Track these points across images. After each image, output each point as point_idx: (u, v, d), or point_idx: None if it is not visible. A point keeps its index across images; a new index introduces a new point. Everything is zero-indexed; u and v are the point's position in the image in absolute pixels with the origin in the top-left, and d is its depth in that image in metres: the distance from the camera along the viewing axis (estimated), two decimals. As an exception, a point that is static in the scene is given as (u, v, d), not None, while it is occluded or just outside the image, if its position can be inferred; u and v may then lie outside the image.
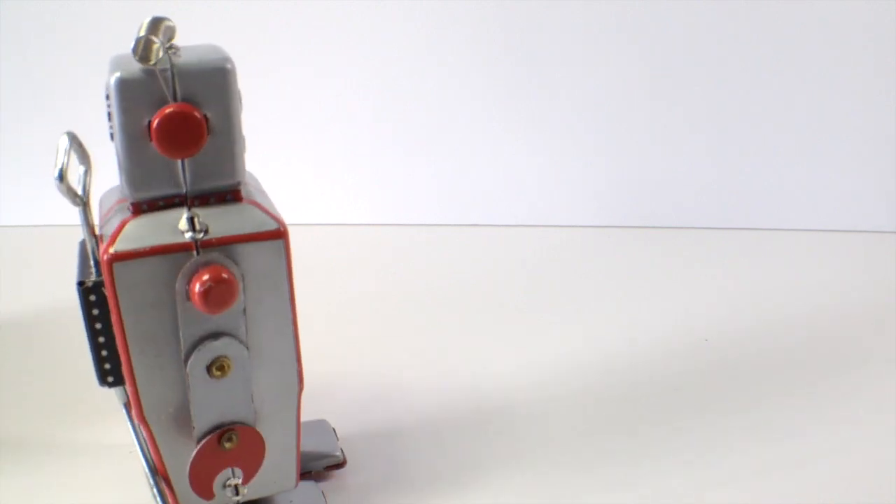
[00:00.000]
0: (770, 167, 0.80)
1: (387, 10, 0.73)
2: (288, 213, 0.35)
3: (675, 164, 0.80)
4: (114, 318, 0.33)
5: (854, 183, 0.81)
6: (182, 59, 0.32)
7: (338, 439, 0.44)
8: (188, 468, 0.35)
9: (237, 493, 0.37)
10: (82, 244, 0.37)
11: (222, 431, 0.34)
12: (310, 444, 0.42)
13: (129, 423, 0.37)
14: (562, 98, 0.78)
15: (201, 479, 0.35)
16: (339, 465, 0.43)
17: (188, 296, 0.32)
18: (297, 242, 0.35)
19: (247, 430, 0.35)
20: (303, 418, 0.37)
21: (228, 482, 0.36)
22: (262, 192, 0.36)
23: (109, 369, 0.35)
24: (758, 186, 0.81)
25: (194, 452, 0.34)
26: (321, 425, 0.45)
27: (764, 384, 0.52)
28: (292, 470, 0.38)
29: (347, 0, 0.72)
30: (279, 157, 0.74)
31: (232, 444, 0.35)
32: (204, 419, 0.34)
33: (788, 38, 0.76)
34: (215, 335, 0.33)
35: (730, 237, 0.79)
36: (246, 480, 0.36)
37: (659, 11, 0.75)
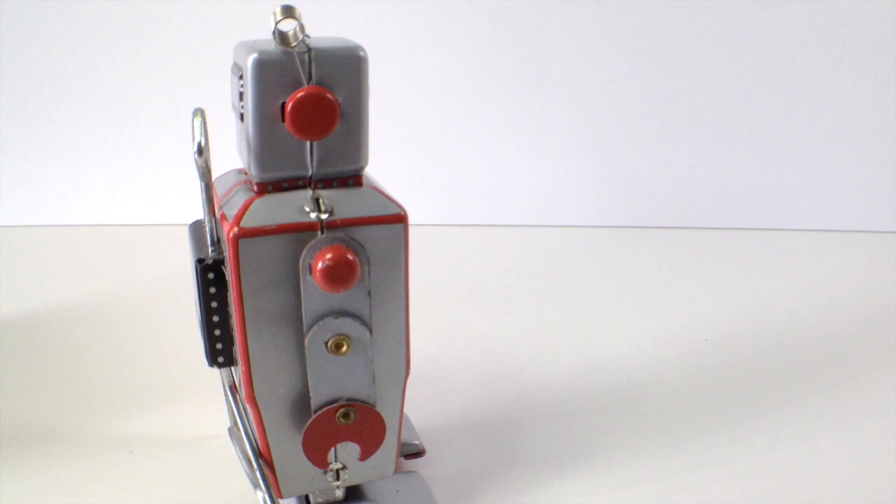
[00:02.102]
0: (770, 167, 0.81)
1: (386, 11, 0.74)
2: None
3: (675, 164, 0.81)
4: (234, 295, 0.33)
5: (854, 183, 0.81)
6: (316, 44, 0.32)
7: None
8: (302, 433, 0.35)
9: (338, 478, 0.37)
10: (194, 226, 0.38)
11: (339, 406, 0.35)
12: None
13: (231, 405, 0.37)
14: (562, 98, 0.79)
15: (315, 447, 0.35)
16: (419, 454, 0.43)
17: (311, 271, 0.33)
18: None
19: (367, 409, 0.35)
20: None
21: (330, 467, 0.37)
22: (377, 181, 0.37)
23: (220, 349, 0.35)
24: (758, 186, 0.82)
25: (309, 422, 0.34)
26: None
27: (763, 384, 0.52)
28: (393, 456, 0.38)
29: (347, 0, 0.73)
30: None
31: (348, 420, 0.35)
32: (320, 392, 0.35)
33: (789, 39, 0.77)
34: (336, 313, 0.34)
35: (730, 237, 0.80)
36: (363, 457, 0.36)
37: (659, 12, 0.76)
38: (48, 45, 0.75)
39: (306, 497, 0.39)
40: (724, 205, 0.82)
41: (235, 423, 0.39)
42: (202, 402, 0.49)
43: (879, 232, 0.81)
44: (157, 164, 0.80)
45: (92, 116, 0.77)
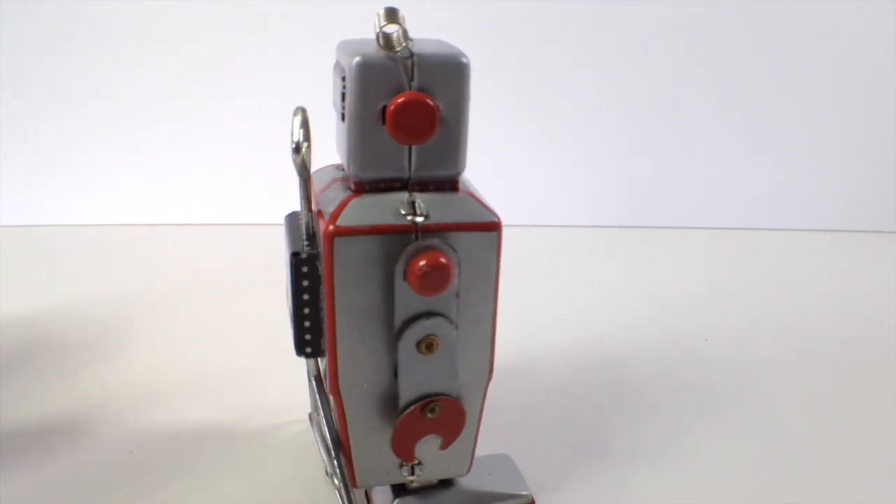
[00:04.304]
0: (769, 167, 0.81)
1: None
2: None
3: (674, 165, 0.81)
4: (326, 290, 0.34)
5: (854, 183, 0.82)
6: (419, 49, 0.33)
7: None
8: (392, 432, 0.36)
9: (412, 473, 0.38)
10: (291, 217, 0.38)
11: (426, 402, 0.36)
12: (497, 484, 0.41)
13: (315, 394, 0.38)
14: (563, 99, 0.79)
15: (403, 443, 0.37)
16: None
17: (406, 276, 0.33)
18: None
19: (450, 402, 0.36)
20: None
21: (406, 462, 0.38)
22: (473, 186, 0.37)
23: (309, 340, 0.36)
24: (758, 186, 0.82)
25: (399, 420, 0.36)
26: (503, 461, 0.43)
27: (762, 384, 0.53)
28: (468, 456, 0.39)
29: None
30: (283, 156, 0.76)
31: (434, 414, 0.36)
32: (409, 391, 0.35)
33: (789, 40, 0.77)
34: (428, 314, 0.34)
35: (730, 237, 0.80)
36: (445, 446, 0.37)
37: (660, 13, 0.76)
38: (48, 45, 0.76)
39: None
40: (724, 205, 0.82)
41: (316, 411, 0.40)
42: (202, 402, 0.49)
43: (879, 232, 0.82)
44: (157, 164, 0.80)
45: (92, 116, 0.78)
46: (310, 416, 0.45)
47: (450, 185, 0.35)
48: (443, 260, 0.33)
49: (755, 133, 0.80)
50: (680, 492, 0.42)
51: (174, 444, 0.45)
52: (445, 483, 0.40)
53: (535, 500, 0.40)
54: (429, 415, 0.36)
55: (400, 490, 0.40)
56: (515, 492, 0.40)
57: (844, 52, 0.77)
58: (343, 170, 0.37)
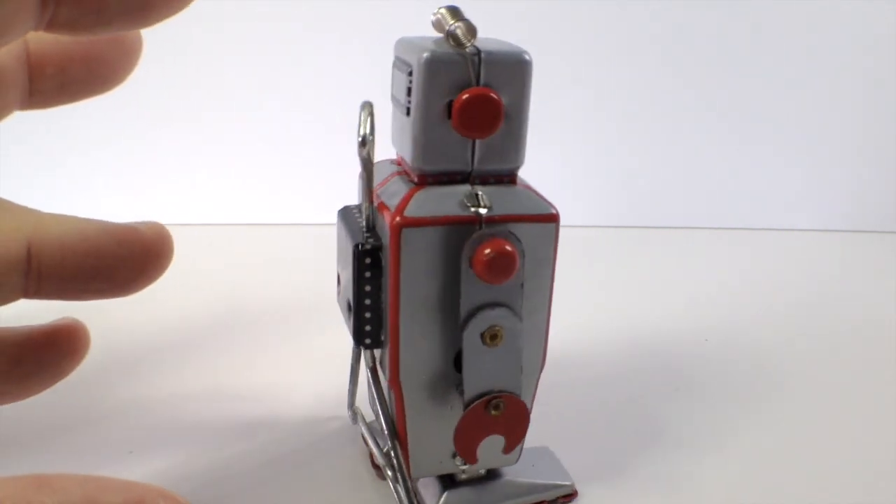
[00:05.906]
0: (769, 167, 0.82)
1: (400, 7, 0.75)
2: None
3: (675, 165, 0.82)
4: (392, 280, 0.35)
5: (854, 183, 0.83)
6: (485, 46, 0.34)
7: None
8: (454, 431, 0.36)
9: (465, 463, 0.39)
10: (345, 212, 0.39)
11: (490, 398, 0.36)
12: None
13: (371, 386, 0.39)
14: (562, 99, 0.79)
15: (466, 443, 0.37)
16: (570, 496, 0.42)
17: (471, 264, 0.34)
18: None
19: (513, 399, 0.37)
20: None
21: (460, 451, 0.38)
22: (526, 181, 0.38)
23: (369, 331, 0.37)
24: (757, 186, 0.83)
25: (461, 417, 0.36)
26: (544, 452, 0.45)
27: (763, 384, 0.53)
28: (520, 447, 0.39)
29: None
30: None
31: (498, 411, 0.36)
32: (473, 386, 0.36)
33: (789, 39, 0.78)
34: (493, 305, 0.35)
35: (729, 237, 0.81)
36: (508, 450, 0.38)
37: (660, 12, 0.77)
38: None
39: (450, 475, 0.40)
40: (724, 205, 0.83)
41: (371, 404, 0.41)
42: (200, 403, 0.49)
43: (879, 232, 0.83)
44: (157, 164, 0.80)
45: (92, 116, 0.77)
46: (354, 409, 0.46)
47: (508, 178, 0.36)
48: (508, 247, 0.34)
49: (755, 133, 0.81)
50: (687, 490, 0.43)
51: (172, 444, 0.45)
52: (492, 475, 0.41)
53: None
54: (493, 411, 0.36)
55: (449, 482, 0.40)
56: (560, 482, 0.42)
57: (844, 52, 0.78)
58: (399, 164, 0.38)
